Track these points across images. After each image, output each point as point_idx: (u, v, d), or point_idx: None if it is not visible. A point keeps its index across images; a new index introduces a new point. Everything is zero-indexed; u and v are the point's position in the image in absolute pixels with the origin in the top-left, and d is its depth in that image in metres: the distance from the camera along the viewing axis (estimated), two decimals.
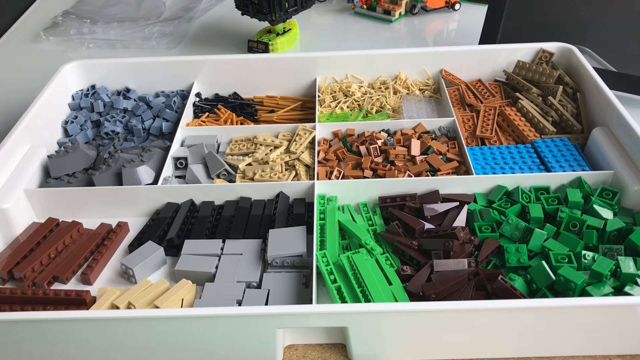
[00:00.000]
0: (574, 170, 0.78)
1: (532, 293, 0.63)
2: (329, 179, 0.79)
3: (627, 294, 0.60)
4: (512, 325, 0.57)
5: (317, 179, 0.78)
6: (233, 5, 1.19)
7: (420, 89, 1.00)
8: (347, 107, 0.97)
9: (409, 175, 0.79)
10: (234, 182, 0.82)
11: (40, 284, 0.68)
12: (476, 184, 0.76)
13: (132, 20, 1.32)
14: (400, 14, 1.34)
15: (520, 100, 0.91)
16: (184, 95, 0.99)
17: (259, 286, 0.67)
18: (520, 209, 0.73)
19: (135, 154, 0.84)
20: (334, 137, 0.89)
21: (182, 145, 0.89)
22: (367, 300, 0.61)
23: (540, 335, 0.58)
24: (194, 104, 0.98)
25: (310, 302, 0.61)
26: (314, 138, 0.86)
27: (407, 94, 0.99)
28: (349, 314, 0.56)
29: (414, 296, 0.63)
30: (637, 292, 0.59)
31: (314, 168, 0.81)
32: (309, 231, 0.72)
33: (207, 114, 0.97)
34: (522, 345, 0.60)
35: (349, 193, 0.77)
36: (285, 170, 0.83)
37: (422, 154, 0.83)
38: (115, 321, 0.56)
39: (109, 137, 0.92)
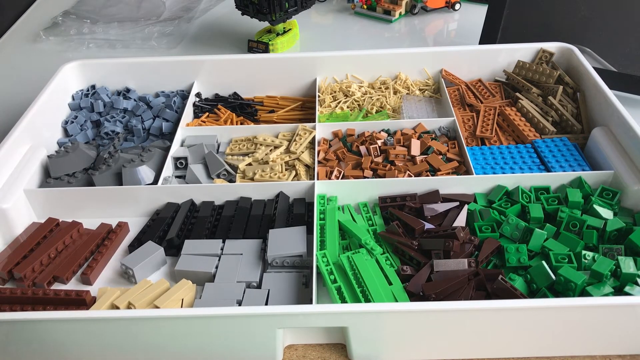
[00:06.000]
0: (574, 170, 0.78)
1: (532, 293, 0.63)
2: (329, 179, 0.79)
3: (627, 294, 0.60)
4: (512, 325, 0.57)
5: (317, 179, 0.78)
6: (233, 5, 1.19)
7: (420, 89, 1.00)
8: (347, 107, 0.97)
9: (409, 175, 0.79)
10: (234, 182, 0.82)
11: (40, 284, 0.68)
12: (476, 184, 0.76)
13: (132, 20, 1.32)
14: (400, 14, 1.34)
15: (520, 100, 0.91)
16: (184, 95, 0.99)
17: (259, 286, 0.67)
18: (520, 209, 0.73)
19: (135, 154, 0.84)
20: (334, 137, 0.89)
21: (182, 145, 0.89)
22: (367, 300, 0.61)
23: (540, 335, 0.58)
24: (194, 104, 0.98)
25: (310, 302, 0.61)
26: (314, 138, 0.86)
27: (407, 94, 0.99)
28: (349, 314, 0.56)
29: (414, 296, 0.63)
30: (637, 292, 0.59)
31: (314, 168, 0.81)
32: (309, 231, 0.72)
33: (207, 114, 0.97)
34: (522, 345, 0.60)
35: (349, 193, 0.77)
36: (285, 170, 0.83)
37: (422, 154, 0.83)
38: (115, 321, 0.56)
39: (109, 137, 0.92)
